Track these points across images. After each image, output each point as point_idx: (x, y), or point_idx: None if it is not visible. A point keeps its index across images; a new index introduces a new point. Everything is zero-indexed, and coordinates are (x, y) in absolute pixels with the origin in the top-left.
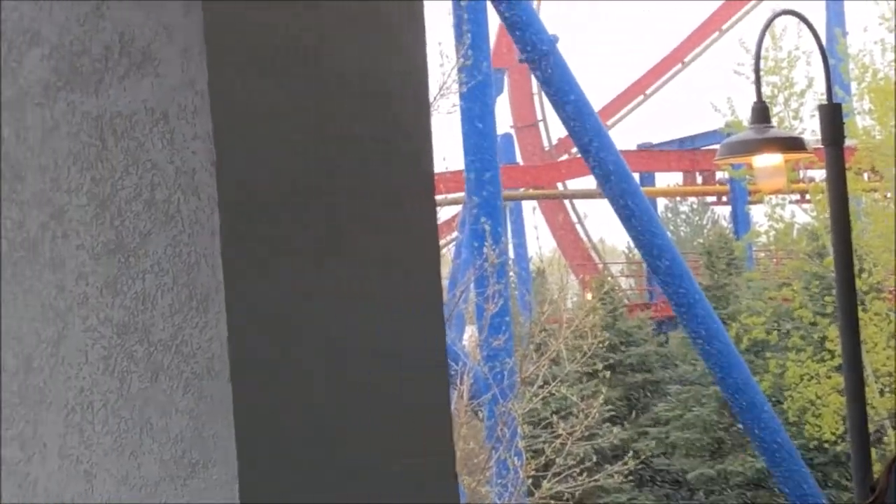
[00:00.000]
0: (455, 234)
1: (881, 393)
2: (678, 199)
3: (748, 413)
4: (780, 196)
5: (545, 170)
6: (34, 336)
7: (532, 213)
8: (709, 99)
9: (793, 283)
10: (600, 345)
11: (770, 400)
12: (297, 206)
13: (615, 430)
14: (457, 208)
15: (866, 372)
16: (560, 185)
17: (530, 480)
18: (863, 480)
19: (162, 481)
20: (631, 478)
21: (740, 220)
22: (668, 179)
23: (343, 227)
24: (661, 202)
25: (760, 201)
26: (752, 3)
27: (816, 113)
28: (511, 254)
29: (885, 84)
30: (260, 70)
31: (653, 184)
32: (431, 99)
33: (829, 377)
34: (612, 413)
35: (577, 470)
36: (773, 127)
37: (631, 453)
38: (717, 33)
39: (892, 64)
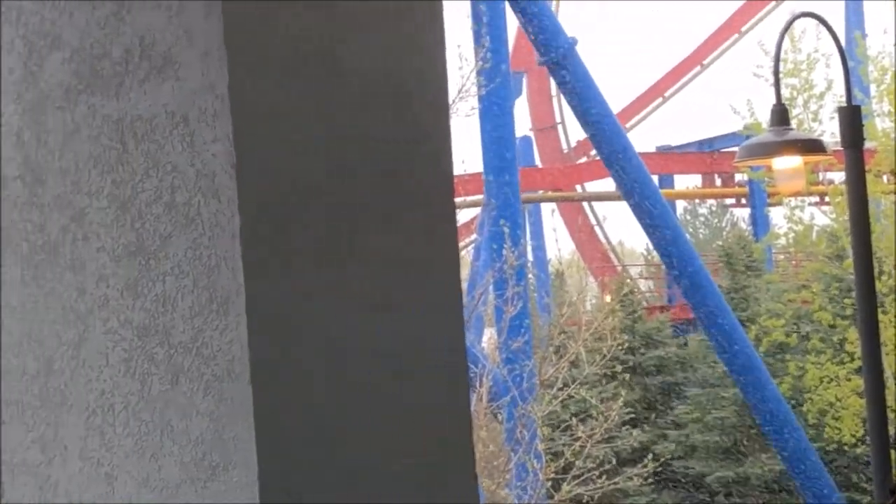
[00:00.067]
0: (474, 236)
1: None
2: (697, 201)
3: (768, 415)
4: (800, 198)
5: (564, 172)
6: (55, 338)
7: (551, 216)
8: (728, 101)
9: (812, 285)
10: (619, 347)
11: (789, 402)
12: (318, 209)
13: (635, 432)
14: (476, 210)
15: (886, 374)
16: (579, 188)
17: (550, 483)
18: (882, 483)
19: (182, 483)
20: (650, 480)
21: (759, 223)
22: (687, 182)
23: (364, 230)
24: (680, 204)
25: (779, 203)
26: (771, 5)
27: (836, 115)
28: (530, 256)
29: None
30: (280, 73)
31: (672, 186)
32: (451, 101)
33: (849, 379)
34: (632, 415)
35: (597, 472)
36: (792, 129)
37: (650, 456)
38: (736, 35)
39: None
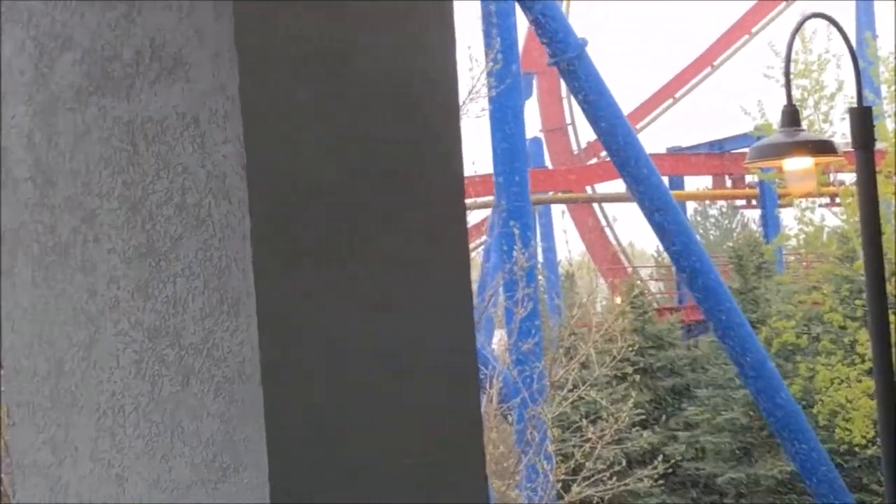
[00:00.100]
0: (484, 237)
1: None
2: (707, 202)
3: (778, 417)
4: (810, 199)
5: (574, 173)
6: (66, 340)
7: (561, 217)
8: (738, 102)
9: (823, 286)
10: (630, 348)
11: (800, 404)
12: (328, 210)
13: (645, 433)
14: (486, 212)
15: None
16: (589, 189)
17: (560, 484)
18: (894, 484)
19: (193, 485)
20: (661, 482)
21: (770, 224)
22: (697, 183)
23: (374, 231)
24: (691, 206)
25: (790, 205)
26: (781, 6)
27: (846, 116)
28: (540, 257)
29: None
30: (290, 74)
31: (682, 187)
32: (461, 103)
33: (860, 381)
34: (642, 417)
35: (607, 474)
36: (803, 130)
37: (661, 457)
38: (746, 37)
39: None
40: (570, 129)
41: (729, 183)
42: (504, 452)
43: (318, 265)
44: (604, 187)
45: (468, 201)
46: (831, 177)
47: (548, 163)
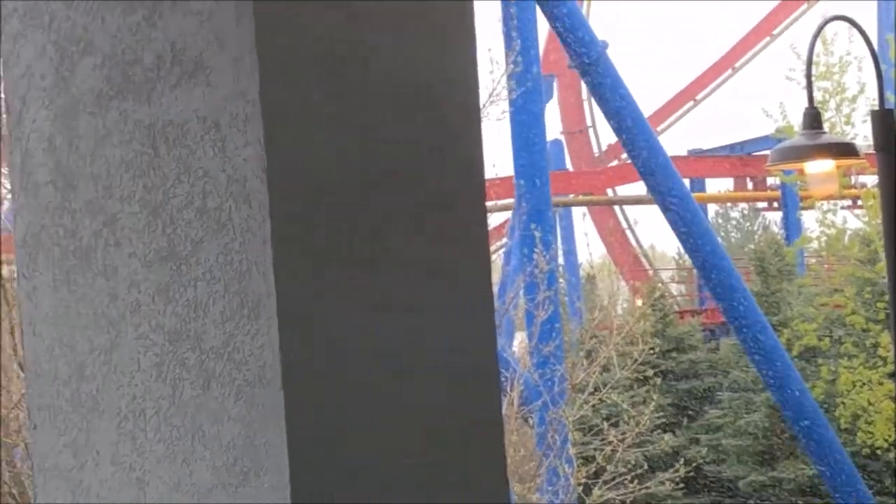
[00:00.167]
0: (505, 240)
1: None
2: (729, 204)
3: (800, 420)
4: (832, 202)
5: (595, 176)
6: (87, 344)
7: (582, 220)
8: (760, 104)
9: (845, 289)
10: (651, 351)
11: (822, 407)
12: (349, 213)
13: (666, 437)
14: (506, 214)
15: None
16: (610, 191)
17: (581, 487)
18: None
19: (214, 489)
20: (682, 485)
21: (791, 226)
22: (718, 185)
23: (394, 234)
24: (712, 208)
25: (812, 207)
26: (803, 8)
27: (868, 118)
28: (561, 260)
29: None
30: (311, 77)
31: (703, 189)
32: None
33: (882, 384)
34: (663, 420)
35: (628, 477)
36: (824, 132)
37: (682, 460)
38: (767, 38)
39: None
40: (590, 131)
41: (750, 185)
42: (525, 455)
43: (339, 268)
44: (625, 190)
45: (489, 204)
46: (853, 179)
47: (568, 165)
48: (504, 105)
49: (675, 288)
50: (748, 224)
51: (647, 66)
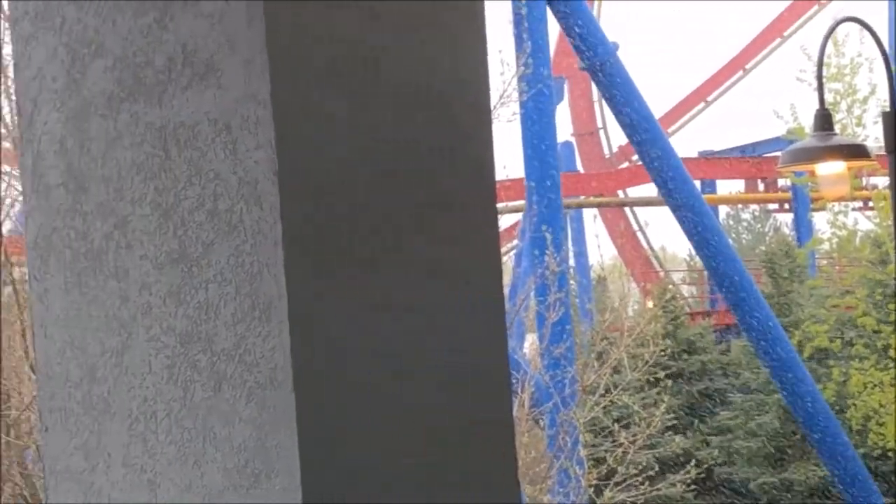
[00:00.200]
0: (515, 241)
1: None
2: (740, 206)
3: (811, 421)
4: (843, 203)
5: (606, 177)
6: (98, 346)
7: (593, 221)
8: (770, 106)
9: (856, 290)
10: (662, 353)
11: (833, 408)
12: (360, 215)
13: (677, 438)
14: (517, 216)
15: None
16: (621, 193)
17: (592, 489)
18: None
19: (225, 490)
20: (693, 487)
21: (803, 228)
22: (729, 187)
23: (405, 236)
24: (723, 209)
25: (823, 208)
26: (814, 9)
27: (879, 119)
28: (572, 262)
29: None
30: (321, 80)
31: (714, 191)
32: (492, 107)
33: (893, 385)
34: (675, 422)
35: (640, 479)
36: (835, 134)
37: (693, 462)
38: (779, 40)
39: None
40: (601, 132)
41: (761, 187)
42: (536, 457)
43: (351, 270)
44: (636, 191)
45: (499, 205)
46: (864, 180)
47: (579, 167)
48: (515, 107)
49: (686, 289)
50: (759, 226)
51: (658, 67)
